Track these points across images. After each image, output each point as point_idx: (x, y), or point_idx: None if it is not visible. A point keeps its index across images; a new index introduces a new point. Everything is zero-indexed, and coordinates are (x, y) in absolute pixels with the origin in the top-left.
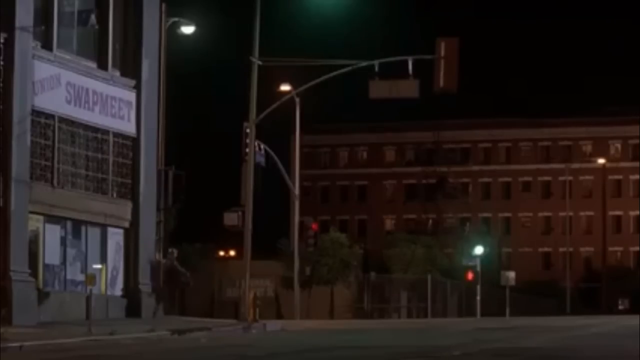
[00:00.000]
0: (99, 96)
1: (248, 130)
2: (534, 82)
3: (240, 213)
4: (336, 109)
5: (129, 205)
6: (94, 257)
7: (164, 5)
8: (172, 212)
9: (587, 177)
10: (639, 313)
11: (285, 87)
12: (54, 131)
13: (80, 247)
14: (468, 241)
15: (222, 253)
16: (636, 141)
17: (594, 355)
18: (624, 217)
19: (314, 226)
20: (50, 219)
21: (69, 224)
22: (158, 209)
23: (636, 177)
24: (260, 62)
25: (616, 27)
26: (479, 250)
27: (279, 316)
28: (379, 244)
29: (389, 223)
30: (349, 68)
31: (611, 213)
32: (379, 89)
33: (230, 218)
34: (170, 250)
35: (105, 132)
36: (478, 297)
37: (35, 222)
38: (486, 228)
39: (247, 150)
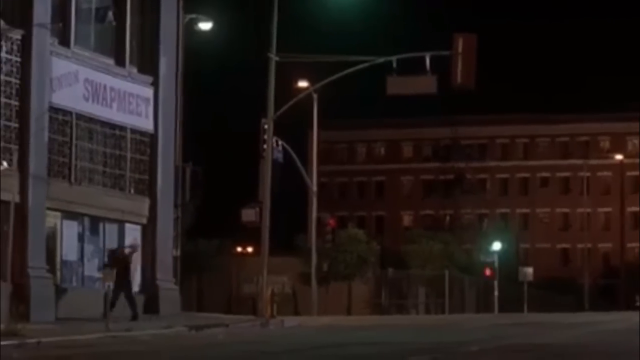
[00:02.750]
0: (117, 93)
1: (266, 127)
2: (551, 78)
3: (257, 209)
4: (354, 105)
5: (146, 202)
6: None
7: (181, 2)
8: (190, 209)
9: (605, 173)
10: None
11: (302, 84)
12: (71, 128)
13: (97, 244)
14: (486, 237)
15: (239, 249)
16: None
17: (610, 351)
18: None
19: (332, 222)
20: (68, 215)
21: (86, 220)
22: (175, 205)
23: None
24: (277, 59)
25: (636, 24)
26: (496, 246)
27: (297, 312)
28: (396, 240)
29: (407, 219)
30: (367, 64)
31: (629, 209)
32: (396, 85)
33: (248, 214)
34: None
35: (123, 128)
36: (496, 293)
37: (52, 219)
38: (504, 224)
39: (265, 146)
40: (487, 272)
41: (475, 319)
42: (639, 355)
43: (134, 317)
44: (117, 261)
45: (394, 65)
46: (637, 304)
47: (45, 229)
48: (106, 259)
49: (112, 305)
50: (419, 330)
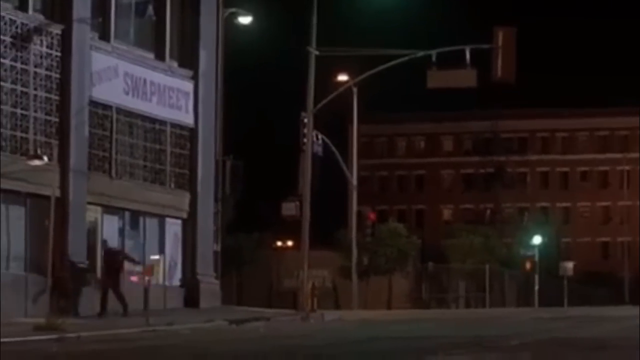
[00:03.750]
0: (157, 87)
1: (306, 121)
2: (591, 72)
3: (298, 203)
4: (394, 98)
5: (186, 196)
6: (152, 248)
7: None
8: (230, 203)
9: None
10: None
11: (342, 77)
12: (111, 122)
13: (138, 238)
14: (526, 231)
15: (279, 243)
16: None
17: None
18: None
19: (372, 216)
20: (109, 209)
21: (127, 215)
22: (216, 200)
23: None
24: (317, 53)
25: None
26: (537, 240)
27: (337, 306)
28: (436, 234)
29: (447, 213)
30: (407, 58)
31: None
32: (436, 79)
33: (288, 208)
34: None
35: (163, 122)
36: (536, 287)
37: (93, 213)
38: (544, 218)
39: (305, 140)
40: (528, 266)
41: (515, 313)
42: None
43: (125, 313)
44: (113, 259)
45: (434, 58)
46: None
47: (86, 223)
48: (103, 253)
49: (104, 301)
50: (459, 324)
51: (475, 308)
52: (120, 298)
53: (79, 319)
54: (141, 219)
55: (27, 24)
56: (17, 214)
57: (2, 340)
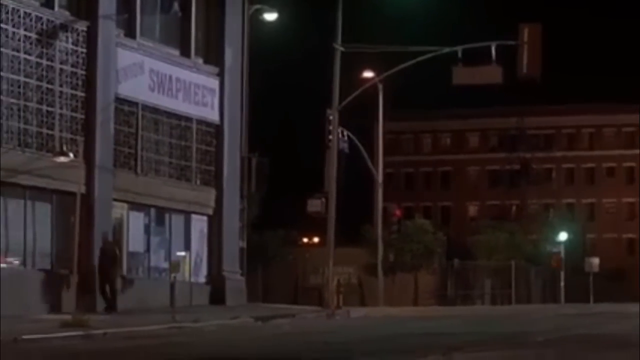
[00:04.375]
0: (182, 83)
1: (331, 117)
2: (617, 67)
3: (323, 200)
4: (419, 95)
5: (212, 193)
6: (177, 245)
7: None
8: (256, 199)
9: None
10: None
11: (368, 74)
12: (137, 118)
13: (164, 235)
14: (552, 227)
15: (305, 240)
16: None
17: None
18: None
19: (398, 212)
20: (134, 206)
21: (152, 212)
22: (241, 196)
23: None
24: (343, 49)
25: None
26: (563, 236)
27: (363, 303)
28: (462, 231)
29: (473, 209)
30: (432, 54)
31: None
32: (462, 75)
33: (314, 205)
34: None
35: (189, 119)
36: (562, 284)
37: (119, 210)
38: (570, 214)
39: (331, 137)
40: (553, 262)
41: (541, 310)
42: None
43: (111, 310)
44: (109, 251)
45: (459, 55)
46: None
47: (112, 220)
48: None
49: (104, 294)
50: (485, 321)
51: (501, 305)
52: (112, 294)
53: (103, 315)
54: (167, 216)
55: (53, 21)
56: (43, 211)
57: (29, 337)
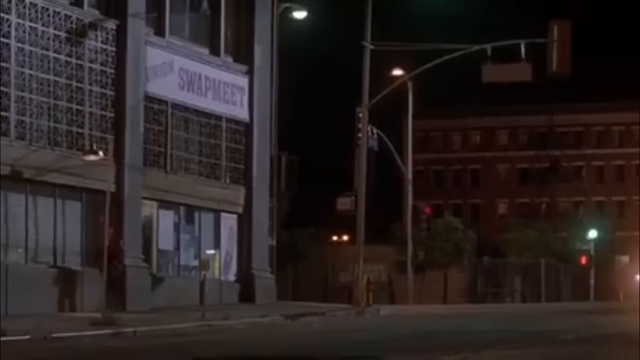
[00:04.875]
0: (212, 82)
1: (361, 115)
2: None
3: (353, 198)
4: (448, 92)
5: (242, 191)
6: (207, 243)
7: None
8: (285, 198)
9: None
10: None
11: (397, 72)
12: (167, 117)
13: (193, 233)
14: (582, 225)
15: (335, 238)
16: None
17: None
18: None
19: (428, 210)
20: (164, 204)
21: (182, 210)
22: (271, 195)
23: None
24: (372, 47)
25: None
26: (592, 234)
27: (393, 301)
28: (492, 229)
29: (503, 207)
30: (461, 52)
31: None
32: (491, 73)
33: (343, 203)
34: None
35: (218, 117)
36: (592, 282)
37: (149, 208)
38: (600, 212)
39: (360, 135)
40: (583, 260)
41: (571, 307)
42: None
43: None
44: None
45: (489, 52)
46: None
47: (142, 218)
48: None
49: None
50: (515, 318)
51: (531, 302)
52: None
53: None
54: (196, 214)
55: (82, 20)
56: (73, 209)
57: (59, 335)
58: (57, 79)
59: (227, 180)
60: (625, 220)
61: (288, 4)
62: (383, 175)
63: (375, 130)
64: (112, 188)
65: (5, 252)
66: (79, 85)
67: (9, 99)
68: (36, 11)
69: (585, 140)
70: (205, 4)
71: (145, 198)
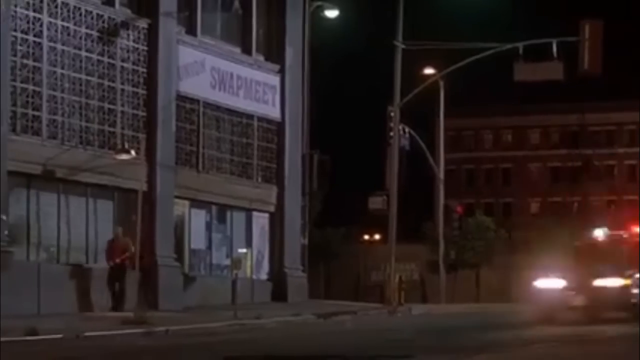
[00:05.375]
0: (243, 81)
1: (392, 114)
2: None
3: (385, 197)
4: (479, 91)
5: (273, 190)
6: (239, 242)
7: None
8: (317, 197)
9: None
10: None
11: (428, 71)
12: (198, 116)
13: (225, 232)
14: None
15: (366, 237)
16: None
17: None
18: None
19: (460, 209)
20: (196, 203)
21: (214, 209)
22: (303, 194)
23: None
24: (404, 46)
25: None
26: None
27: (425, 300)
28: (524, 227)
29: (535, 206)
30: (493, 50)
31: None
32: (523, 72)
33: (375, 202)
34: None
35: (250, 116)
36: None
37: (180, 207)
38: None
39: (392, 133)
40: None
41: None
42: None
43: (116, 308)
44: (118, 250)
45: (521, 51)
46: None
47: (174, 217)
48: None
49: (114, 295)
50: None
51: None
52: (120, 292)
53: (161, 312)
54: (228, 213)
55: (114, 19)
56: (105, 208)
57: (91, 334)
58: (89, 78)
59: (259, 179)
60: None
61: (320, 3)
62: (415, 174)
63: (406, 129)
64: (144, 187)
65: (37, 251)
66: (111, 84)
67: (41, 98)
68: (68, 10)
69: (617, 139)
70: (236, 3)
71: (177, 197)
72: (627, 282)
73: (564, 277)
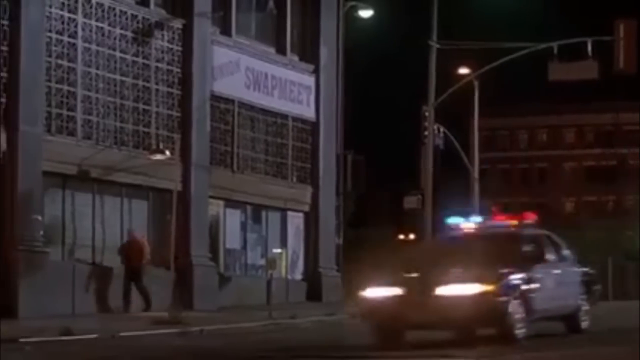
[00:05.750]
0: (278, 81)
1: (427, 114)
2: None
3: (419, 196)
4: (513, 91)
5: (308, 190)
6: (274, 242)
7: None
8: (352, 197)
9: None
10: None
11: (463, 71)
12: (233, 116)
13: (260, 232)
14: None
15: (401, 236)
16: None
17: None
18: None
19: (494, 209)
20: (230, 203)
21: (249, 209)
22: (337, 193)
23: None
24: (438, 46)
25: None
26: None
27: None
28: (559, 227)
29: (570, 206)
30: (527, 50)
31: None
32: (558, 71)
33: (410, 201)
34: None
35: (285, 116)
36: None
37: (215, 207)
38: None
39: (426, 133)
40: None
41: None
42: None
43: (147, 308)
44: (133, 249)
45: (555, 51)
46: None
47: (208, 217)
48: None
49: (127, 295)
50: None
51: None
52: (143, 292)
53: (197, 312)
54: (263, 213)
55: (148, 19)
56: (140, 208)
57: (126, 334)
58: (123, 78)
59: (294, 179)
60: None
61: (354, 3)
62: (450, 173)
63: (441, 129)
64: (179, 187)
65: (72, 252)
66: (146, 84)
67: (75, 98)
68: (102, 11)
69: None
70: (271, 3)
71: (211, 197)
72: (489, 288)
73: (401, 284)
